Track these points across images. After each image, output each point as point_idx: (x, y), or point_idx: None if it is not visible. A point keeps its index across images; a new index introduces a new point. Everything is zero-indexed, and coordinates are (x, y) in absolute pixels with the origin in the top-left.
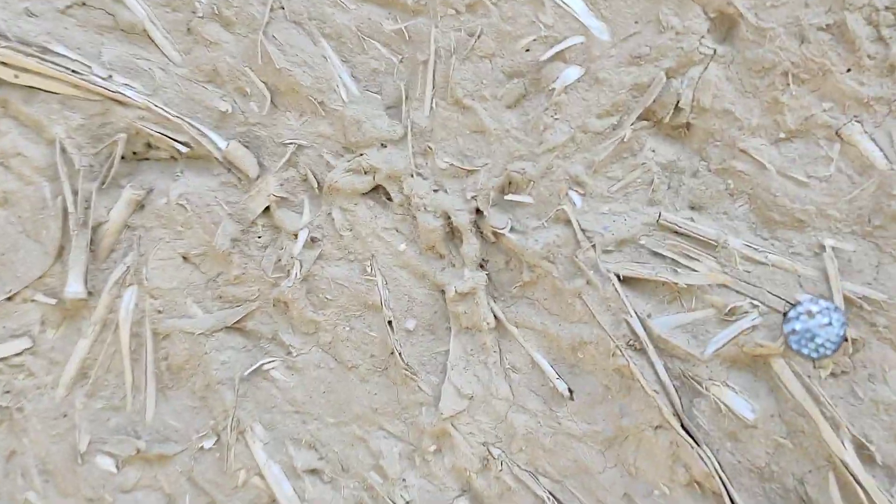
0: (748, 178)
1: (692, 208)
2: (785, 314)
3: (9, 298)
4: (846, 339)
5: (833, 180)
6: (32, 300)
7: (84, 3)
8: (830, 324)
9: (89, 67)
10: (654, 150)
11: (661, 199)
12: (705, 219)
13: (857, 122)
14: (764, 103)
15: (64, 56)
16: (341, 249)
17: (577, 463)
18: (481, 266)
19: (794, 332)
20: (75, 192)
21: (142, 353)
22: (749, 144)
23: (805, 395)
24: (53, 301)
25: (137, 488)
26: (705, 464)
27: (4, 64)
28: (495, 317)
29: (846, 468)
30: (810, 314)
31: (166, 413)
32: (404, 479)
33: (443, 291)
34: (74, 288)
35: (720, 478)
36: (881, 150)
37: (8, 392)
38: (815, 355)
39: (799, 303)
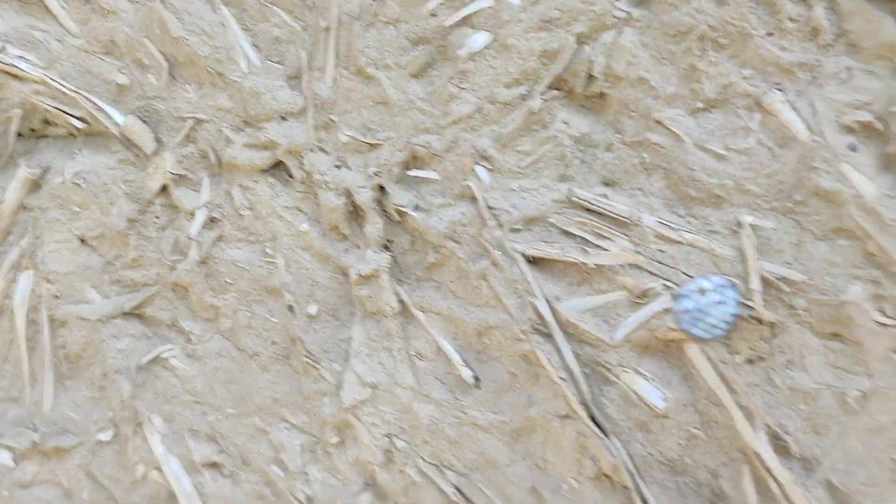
0: (664, 151)
1: (605, 184)
2: (677, 294)
3: None
4: (750, 321)
5: (753, 153)
6: None
7: None
8: (724, 302)
9: None
10: (566, 123)
11: (574, 175)
12: (619, 195)
13: (779, 90)
14: (681, 71)
15: None
16: (241, 230)
17: (484, 456)
18: (385, 247)
19: (685, 311)
20: None
21: (38, 341)
22: (665, 115)
23: (719, 384)
24: None
25: (35, 483)
26: (614, 456)
27: None
28: (400, 301)
29: (761, 460)
30: (702, 292)
31: (65, 404)
32: (306, 473)
33: (346, 274)
34: None
35: (629, 471)
36: (803, 120)
37: None
38: (705, 335)
39: (691, 279)
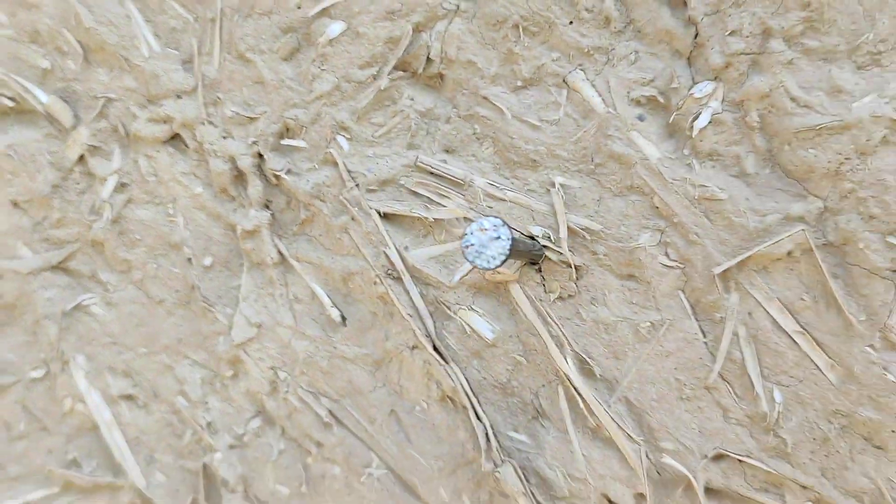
0: (491, 123)
1: (446, 151)
2: (463, 233)
3: None
4: (533, 262)
5: (561, 124)
6: None
7: None
8: (499, 238)
9: None
10: (412, 99)
11: (420, 144)
12: (456, 161)
13: (581, 70)
14: (501, 54)
15: None
16: (148, 193)
17: (352, 384)
18: (266, 206)
19: (470, 245)
20: None
21: None
22: (490, 92)
23: (536, 318)
24: None
25: None
26: (454, 381)
27: None
28: (279, 252)
29: (570, 381)
30: (483, 230)
31: (2, 348)
32: (206, 403)
33: (234, 230)
34: None
35: (467, 393)
36: (600, 95)
37: None
38: (486, 265)
39: (476, 220)
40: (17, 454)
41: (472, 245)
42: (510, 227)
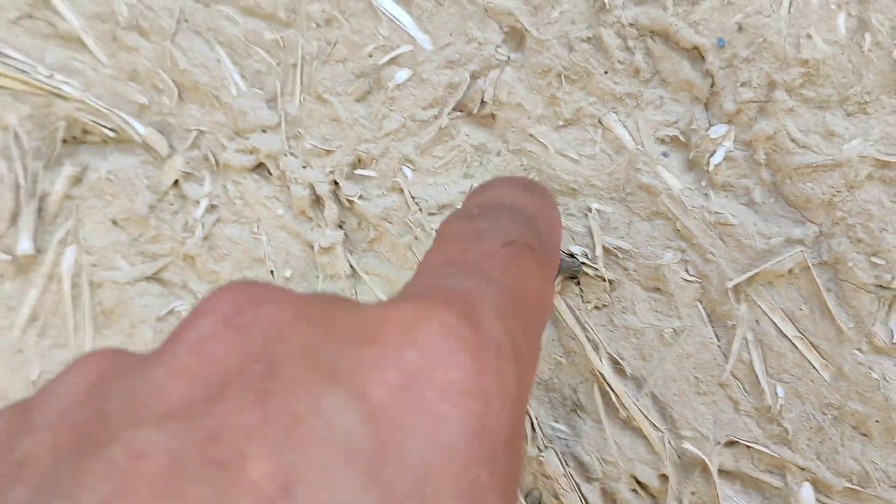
0: (536, 156)
1: None
2: None
3: None
4: (573, 277)
5: (597, 158)
6: None
7: (30, 16)
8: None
9: (35, 67)
10: (468, 135)
11: (474, 174)
12: None
13: (614, 112)
14: (546, 98)
15: (14, 58)
16: (235, 214)
17: None
18: (339, 226)
19: None
20: (25, 170)
21: (81, 300)
22: (536, 130)
23: (575, 323)
24: (9, 258)
25: None
26: None
27: None
28: (351, 266)
29: (605, 379)
30: None
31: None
32: None
33: (311, 246)
34: (25, 246)
35: None
36: (630, 134)
37: None
38: None
39: None
40: None
41: None
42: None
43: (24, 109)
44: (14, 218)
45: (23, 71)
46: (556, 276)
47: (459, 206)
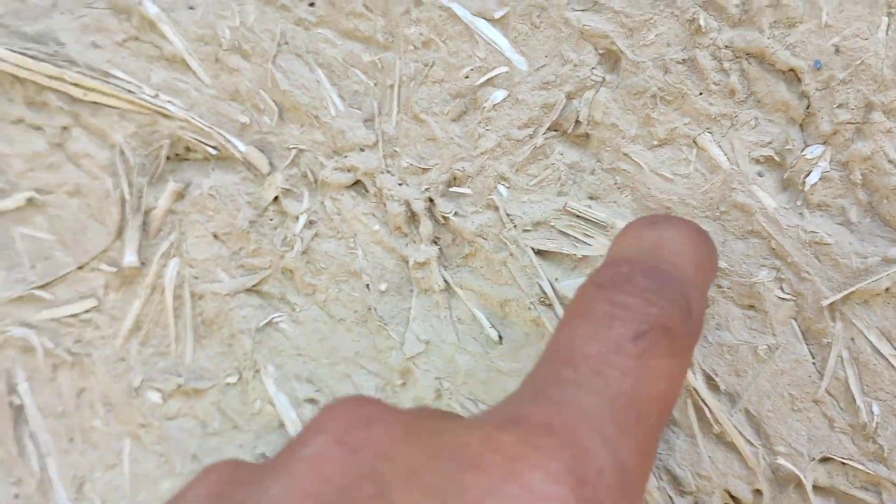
0: (630, 175)
1: (591, 198)
2: None
3: (80, 268)
4: None
5: (691, 177)
6: (98, 269)
7: (137, 38)
8: None
9: (141, 87)
10: (562, 154)
11: (568, 191)
12: (600, 206)
13: (709, 132)
14: (640, 118)
15: (121, 79)
16: (332, 229)
17: (506, 392)
18: (434, 242)
19: None
20: (131, 185)
21: (182, 311)
22: (630, 150)
23: None
24: (114, 269)
25: (178, 416)
26: None
27: (76, 85)
28: (445, 281)
29: (699, 395)
30: None
31: (201, 357)
32: None
33: (406, 261)
34: (130, 259)
35: None
36: (725, 154)
37: (79, 341)
38: None
39: None
40: (212, 448)
41: None
42: None
43: (130, 128)
44: (120, 232)
45: (129, 91)
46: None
47: (553, 224)
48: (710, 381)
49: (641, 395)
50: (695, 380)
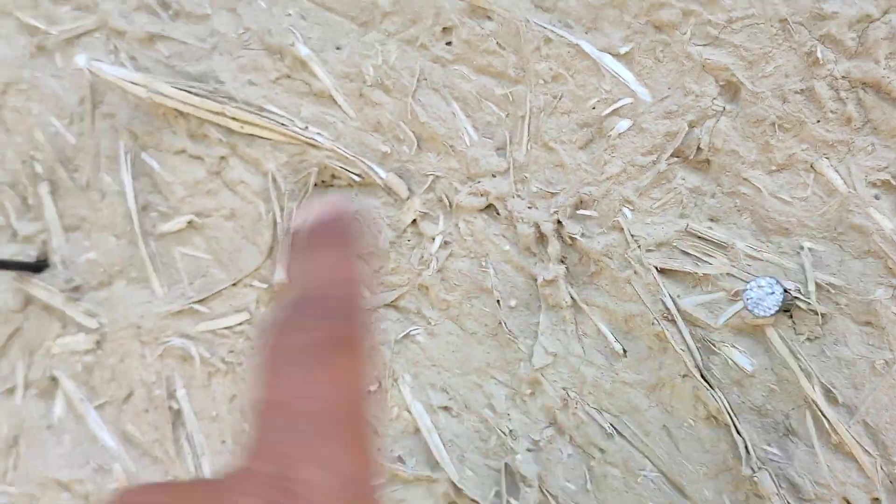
0: (750, 198)
1: (711, 220)
2: (744, 288)
3: (234, 284)
4: (786, 310)
5: (809, 200)
6: (250, 285)
7: (289, 76)
8: (774, 293)
9: (292, 121)
10: (684, 179)
11: (689, 214)
12: (720, 228)
13: (826, 158)
14: (759, 145)
15: (275, 113)
16: (465, 249)
17: (630, 403)
18: (562, 261)
19: (749, 298)
20: (282, 209)
21: None
22: (749, 175)
23: (788, 354)
24: (265, 286)
25: None
26: (717, 403)
27: (235, 119)
28: (572, 297)
29: (817, 406)
30: (760, 286)
31: None
32: (508, 414)
33: (535, 279)
34: (280, 276)
35: (729, 413)
36: (842, 178)
37: (232, 351)
38: (763, 314)
39: (754, 279)
40: None
41: (752, 298)
42: (782, 285)
43: (282, 157)
44: (271, 252)
45: (282, 124)
46: None
47: (676, 244)
48: (829, 394)
49: (336, 404)
50: (813, 392)
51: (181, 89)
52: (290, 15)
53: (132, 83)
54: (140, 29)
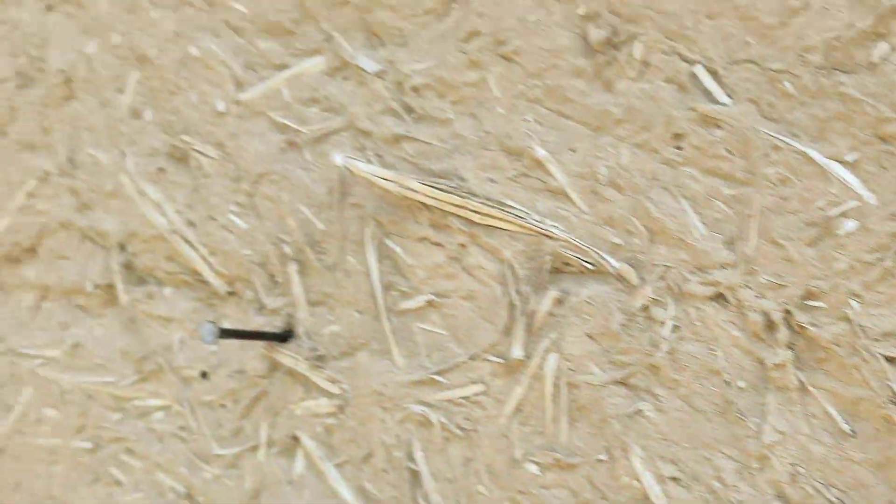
0: None
1: None
2: None
3: (470, 358)
4: None
5: None
6: (487, 360)
7: (525, 174)
8: None
9: (529, 214)
10: None
11: None
12: None
13: None
14: None
15: (513, 207)
16: (694, 334)
17: (857, 480)
18: (790, 347)
19: None
20: (518, 292)
21: (559, 397)
22: None
23: None
24: (501, 361)
25: (553, 486)
26: None
27: (475, 211)
28: (800, 381)
29: None
30: None
31: (574, 437)
32: (737, 486)
33: (763, 362)
34: (517, 353)
35: None
36: None
37: (468, 419)
38: None
39: None
40: None
41: None
42: None
43: (518, 246)
44: (508, 330)
45: (519, 217)
46: None
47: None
48: None
49: None
50: None
51: (426, 184)
52: (527, 120)
53: (383, 179)
54: (386, 130)
